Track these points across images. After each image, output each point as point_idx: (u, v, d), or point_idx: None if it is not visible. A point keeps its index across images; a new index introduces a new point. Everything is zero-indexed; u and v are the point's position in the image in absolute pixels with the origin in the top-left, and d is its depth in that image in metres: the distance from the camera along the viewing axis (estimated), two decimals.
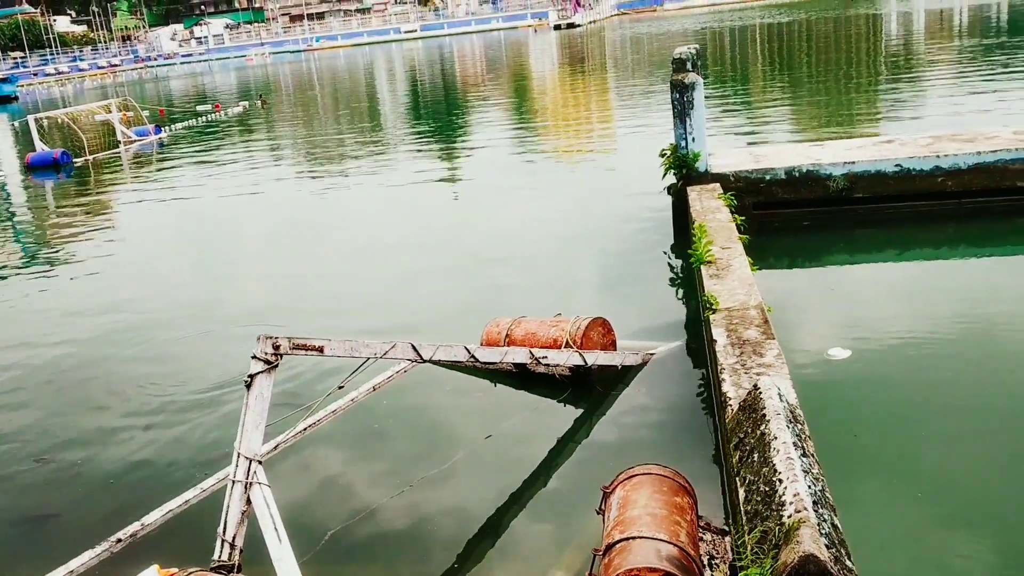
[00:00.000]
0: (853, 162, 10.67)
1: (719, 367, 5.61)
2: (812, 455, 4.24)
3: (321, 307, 10.22)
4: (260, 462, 4.93)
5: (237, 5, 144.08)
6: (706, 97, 11.17)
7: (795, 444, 4.11)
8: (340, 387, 6.00)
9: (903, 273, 9.58)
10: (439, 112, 32.02)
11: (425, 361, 6.09)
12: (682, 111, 10.65)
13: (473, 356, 6.36)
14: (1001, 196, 10.43)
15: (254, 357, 4.97)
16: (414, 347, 5.86)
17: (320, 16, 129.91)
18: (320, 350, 5.25)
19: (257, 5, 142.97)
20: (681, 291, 9.40)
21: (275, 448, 6.08)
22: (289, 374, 7.82)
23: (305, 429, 6.34)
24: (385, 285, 10.92)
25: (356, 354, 5.48)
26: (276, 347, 5.01)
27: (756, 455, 4.22)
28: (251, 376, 4.96)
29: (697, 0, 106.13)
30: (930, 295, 8.66)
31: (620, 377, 7.39)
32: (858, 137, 14.41)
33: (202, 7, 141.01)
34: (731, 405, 5.00)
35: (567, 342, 7.25)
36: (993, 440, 5.93)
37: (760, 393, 4.61)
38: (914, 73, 26.58)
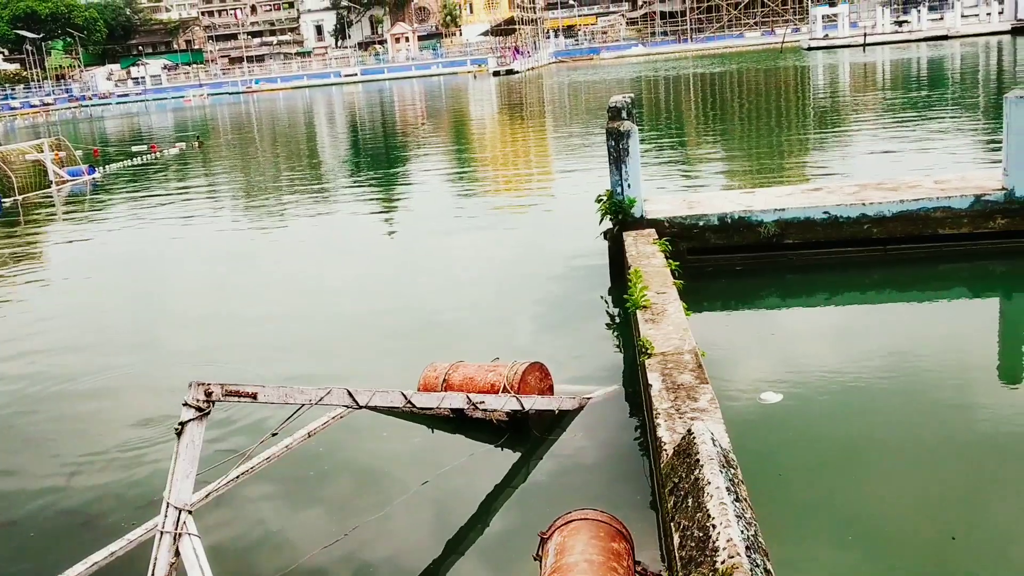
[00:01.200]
0: (783, 209, 10.95)
1: (654, 412, 5.67)
2: (745, 499, 4.30)
3: (257, 352, 10.08)
4: (190, 511, 4.82)
5: (176, 47, 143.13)
6: (641, 144, 11.40)
7: (728, 489, 4.16)
8: (274, 434, 5.90)
9: (832, 318, 9.81)
10: (378, 156, 32.06)
11: (361, 407, 6.03)
12: (618, 158, 10.84)
13: (410, 402, 6.32)
14: (924, 243, 10.80)
15: (185, 404, 4.87)
16: (350, 393, 5.80)
17: (260, 59, 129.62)
18: (254, 396, 5.17)
19: (196, 47, 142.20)
20: (617, 336, 9.49)
21: (206, 497, 5.96)
22: (222, 420, 7.67)
23: (238, 477, 6.22)
24: (323, 329, 10.83)
25: (291, 400, 5.40)
26: (208, 393, 4.92)
27: (690, 500, 4.26)
28: (182, 423, 4.85)
29: (632, 50, 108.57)
30: (858, 339, 8.88)
31: (557, 422, 7.41)
32: (788, 184, 14.82)
33: (139, 48, 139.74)
34: (666, 450, 5.05)
35: (504, 387, 7.26)
36: (921, 482, 6.08)
37: (694, 438, 4.67)
38: (840, 123, 27.48)
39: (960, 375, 7.69)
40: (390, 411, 7.35)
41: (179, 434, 4.84)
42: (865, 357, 8.21)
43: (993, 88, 34.11)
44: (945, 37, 74.79)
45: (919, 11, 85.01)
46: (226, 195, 24.24)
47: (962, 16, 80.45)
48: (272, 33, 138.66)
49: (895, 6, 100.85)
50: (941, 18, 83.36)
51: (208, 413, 4.94)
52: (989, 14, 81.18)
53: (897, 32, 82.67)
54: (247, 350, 10.19)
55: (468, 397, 6.76)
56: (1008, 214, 10.63)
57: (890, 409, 7.17)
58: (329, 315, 11.36)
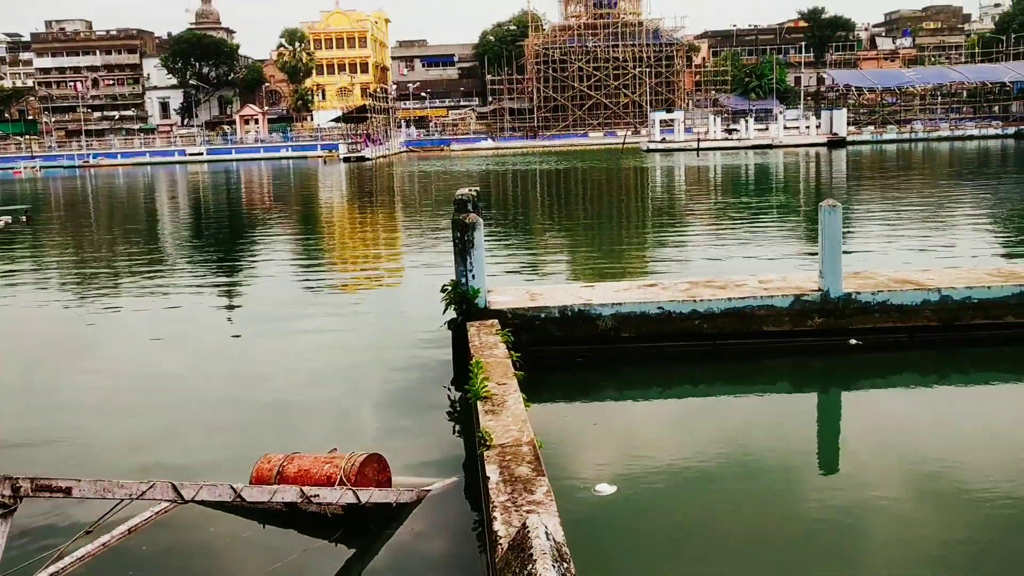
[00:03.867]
0: (620, 303, 11.36)
1: (491, 505, 5.67)
2: None
3: (75, 444, 9.47)
4: None
5: (7, 116, 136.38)
6: (487, 236, 11.63)
7: None
8: (89, 531, 5.55)
9: (666, 409, 10.17)
10: (221, 238, 31.27)
11: (187, 501, 5.76)
12: (463, 249, 11.01)
13: (240, 496, 6.08)
14: (750, 339, 11.42)
15: None
16: (174, 487, 5.54)
17: (100, 133, 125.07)
18: (67, 492, 4.86)
19: (30, 117, 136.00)
20: (459, 426, 9.49)
21: None
22: (31, 517, 7.12)
23: None
24: (149, 419, 10.29)
25: (109, 495, 5.11)
26: (16, 488, 4.60)
27: None
28: None
29: (482, 144, 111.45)
30: (689, 431, 9.22)
31: (395, 515, 7.28)
32: (626, 280, 15.40)
33: None
34: (501, 544, 5.05)
35: (341, 479, 7.10)
36: (747, 572, 6.31)
37: (528, 532, 4.69)
38: (675, 221, 28.95)
39: (782, 466, 8.10)
40: (219, 505, 7.03)
41: None
42: (696, 448, 8.52)
43: (812, 194, 36.83)
44: (770, 146, 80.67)
45: (747, 121, 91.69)
46: (54, 275, 22.97)
47: (785, 128, 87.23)
48: (114, 108, 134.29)
49: (726, 115, 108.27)
50: (766, 128, 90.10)
51: (14, 510, 4.61)
52: (808, 127, 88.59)
53: (728, 139, 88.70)
54: (64, 441, 9.56)
55: (302, 490, 6.57)
56: (824, 313, 11.42)
57: (718, 499, 7.45)
58: (158, 403, 10.82)
